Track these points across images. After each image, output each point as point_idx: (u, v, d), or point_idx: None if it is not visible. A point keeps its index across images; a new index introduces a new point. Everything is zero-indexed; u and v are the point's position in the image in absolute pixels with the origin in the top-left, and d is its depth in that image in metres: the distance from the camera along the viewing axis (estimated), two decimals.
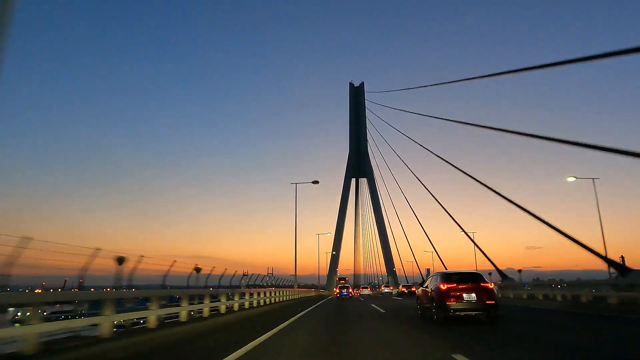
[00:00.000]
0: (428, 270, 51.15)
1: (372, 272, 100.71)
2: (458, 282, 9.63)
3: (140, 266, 8.71)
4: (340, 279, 71.59)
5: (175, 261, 10.32)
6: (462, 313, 9.46)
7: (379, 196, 76.35)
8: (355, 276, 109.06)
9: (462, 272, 10.42)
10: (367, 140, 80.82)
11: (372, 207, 77.71)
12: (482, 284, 9.58)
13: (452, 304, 9.32)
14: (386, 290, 47.92)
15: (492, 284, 9.98)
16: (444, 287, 9.60)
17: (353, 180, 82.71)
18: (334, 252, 73.11)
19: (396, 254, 71.31)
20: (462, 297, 9.35)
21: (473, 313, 9.55)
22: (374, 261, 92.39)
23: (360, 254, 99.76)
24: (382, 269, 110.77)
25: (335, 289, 43.22)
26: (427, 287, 11.27)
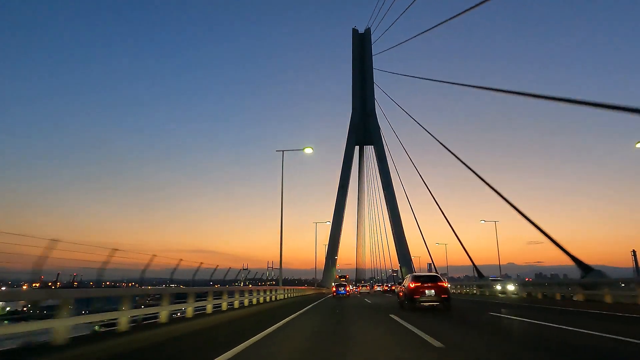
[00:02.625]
0: (429, 264, 60.64)
1: (377, 266, 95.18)
2: (423, 282, 15.09)
3: (113, 259, 8.49)
4: (340, 276, 69.74)
5: (155, 255, 10.14)
6: (425, 304, 14.90)
7: (389, 168, 70.33)
8: (358, 270, 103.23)
9: (426, 275, 15.99)
10: (374, 97, 75.67)
11: (380, 182, 72.76)
12: (439, 283, 15.01)
13: (418, 297, 14.83)
14: (378, 288, 62.95)
15: (447, 283, 15.76)
16: (412, 285, 15.10)
17: (356, 149, 76.90)
18: (330, 223, 66.79)
19: (410, 242, 66.63)
20: (425, 292, 14.79)
21: (434, 304, 14.96)
22: (379, 253, 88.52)
23: (363, 244, 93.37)
24: (388, 262, 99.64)
25: (332, 287, 43.61)
26: (403, 285, 17.05)
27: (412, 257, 68.64)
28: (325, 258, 69.77)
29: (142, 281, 10.35)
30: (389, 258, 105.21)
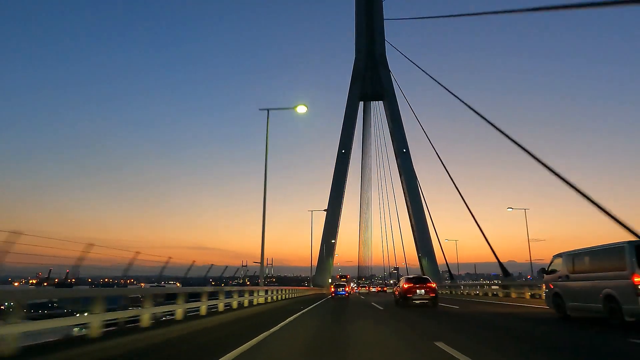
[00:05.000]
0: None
1: (384, 261, 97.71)
2: (414, 283, 19.08)
3: (91, 256, 8.52)
4: (340, 276, 70.00)
5: (138, 252, 10.40)
6: (417, 301, 18.74)
7: (404, 129, 63.28)
8: (360, 268, 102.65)
9: (417, 277, 20.30)
10: (384, 39, 65.96)
11: (389, 151, 66.82)
12: (428, 284, 18.91)
13: (410, 296, 18.80)
14: (373, 289, 75.71)
15: (435, 284, 19.94)
16: (406, 285, 19.15)
17: (361, 106, 68.76)
18: (328, 208, 58.47)
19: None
20: (416, 292, 18.73)
21: (424, 301, 18.82)
22: (385, 247, 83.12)
23: (366, 234, 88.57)
24: (394, 257, 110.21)
25: (330, 287, 44.60)
26: (398, 285, 21.33)
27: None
28: (320, 244, 61.07)
29: (126, 278, 10.96)
30: (394, 252, 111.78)
